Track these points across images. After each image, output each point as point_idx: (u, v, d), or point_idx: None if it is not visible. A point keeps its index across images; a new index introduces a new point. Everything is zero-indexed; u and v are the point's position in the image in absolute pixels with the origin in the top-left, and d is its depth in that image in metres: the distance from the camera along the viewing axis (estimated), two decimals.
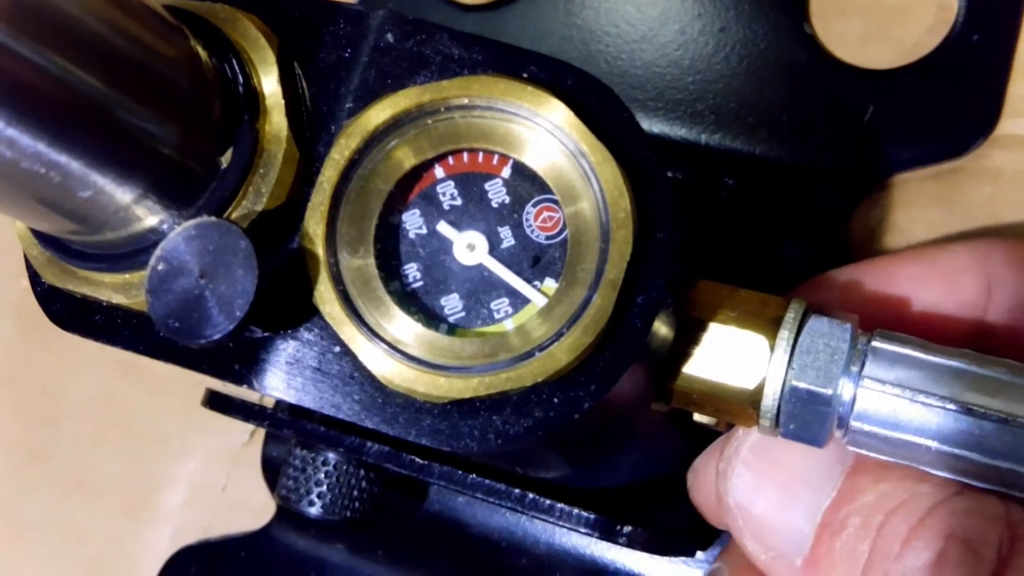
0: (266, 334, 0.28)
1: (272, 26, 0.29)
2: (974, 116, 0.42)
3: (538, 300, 0.28)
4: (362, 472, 0.39)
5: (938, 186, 0.42)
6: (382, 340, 0.27)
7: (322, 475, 0.39)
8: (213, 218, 0.27)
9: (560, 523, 0.34)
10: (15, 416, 0.53)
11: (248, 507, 0.48)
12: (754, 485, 0.32)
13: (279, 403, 0.40)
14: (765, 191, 0.43)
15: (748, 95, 0.44)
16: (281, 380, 0.28)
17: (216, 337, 0.26)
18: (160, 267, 0.26)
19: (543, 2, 0.47)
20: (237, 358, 0.29)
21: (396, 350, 0.27)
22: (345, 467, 0.39)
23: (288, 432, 0.37)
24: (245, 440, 0.49)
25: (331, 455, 0.39)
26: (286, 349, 0.28)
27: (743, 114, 0.44)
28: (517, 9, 0.47)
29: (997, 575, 0.26)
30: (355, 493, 0.39)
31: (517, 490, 0.35)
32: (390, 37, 0.29)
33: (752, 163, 0.43)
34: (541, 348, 0.27)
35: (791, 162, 0.43)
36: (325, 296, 0.28)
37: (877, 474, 0.30)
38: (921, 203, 0.42)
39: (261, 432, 0.48)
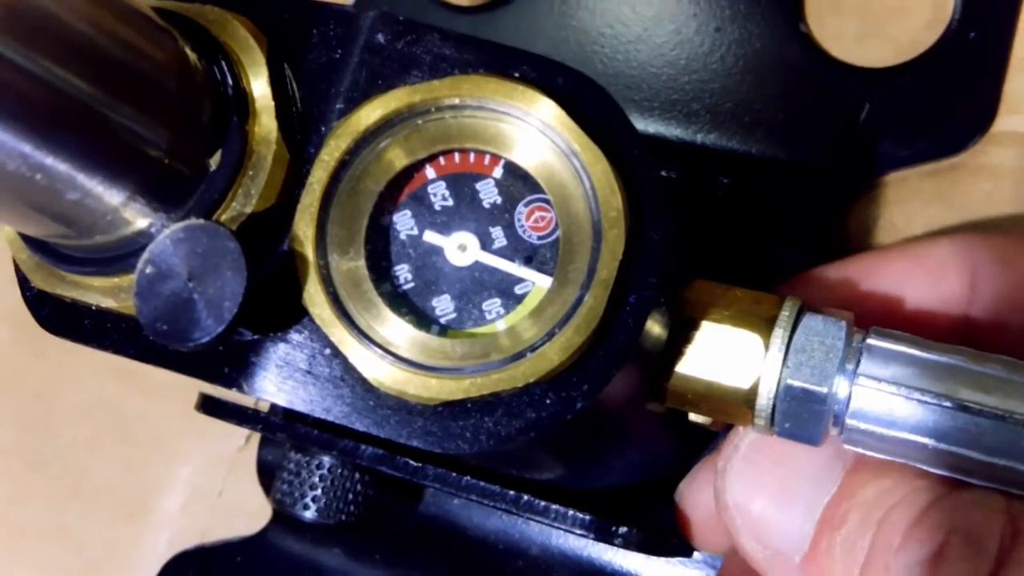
0: (256, 337, 0.28)
1: (262, 27, 0.29)
2: (971, 113, 0.42)
3: (541, 281, 0.28)
4: (357, 475, 0.39)
5: (935, 183, 0.42)
6: (372, 342, 0.27)
7: (317, 479, 0.39)
8: (201, 220, 0.26)
9: (555, 524, 0.34)
10: (11, 422, 0.53)
11: (245, 511, 0.48)
12: (753, 483, 0.31)
13: (273, 407, 0.40)
14: (761, 190, 0.43)
15: (744, 94, 0.44)
16: (271, 383, 0.28)
17: (204, 340, 0.26)
18: (148, 270, 0.26)
19: (538, 3, 0.46)
20: (227, 361, 0.28)
21: (387, 352, 0.27)
22: (340, 470, 0.39)
23: (282, 436, 0.37)
24: (241, 444, 0.49)
25: (326, 459, 0.39)
26: (276, 352, 0.28)
27: (739, 113, 0.43)
28: (511, 11, 0.47)
29: (999, 568, 0.26)
30: (350, 496, 0.39)
31: (512, 492, 0.34)
32: (380, 38, 0.29)
33: (748, 162, 0.43)
34: (533, 348, 0.27)
35: (787, 161, 0.43)
36: (315, 298, 0.27)
37: (878, 471, 0.30)
38: (918, 200, 0.42)
39: (257, 436, 0.48)
